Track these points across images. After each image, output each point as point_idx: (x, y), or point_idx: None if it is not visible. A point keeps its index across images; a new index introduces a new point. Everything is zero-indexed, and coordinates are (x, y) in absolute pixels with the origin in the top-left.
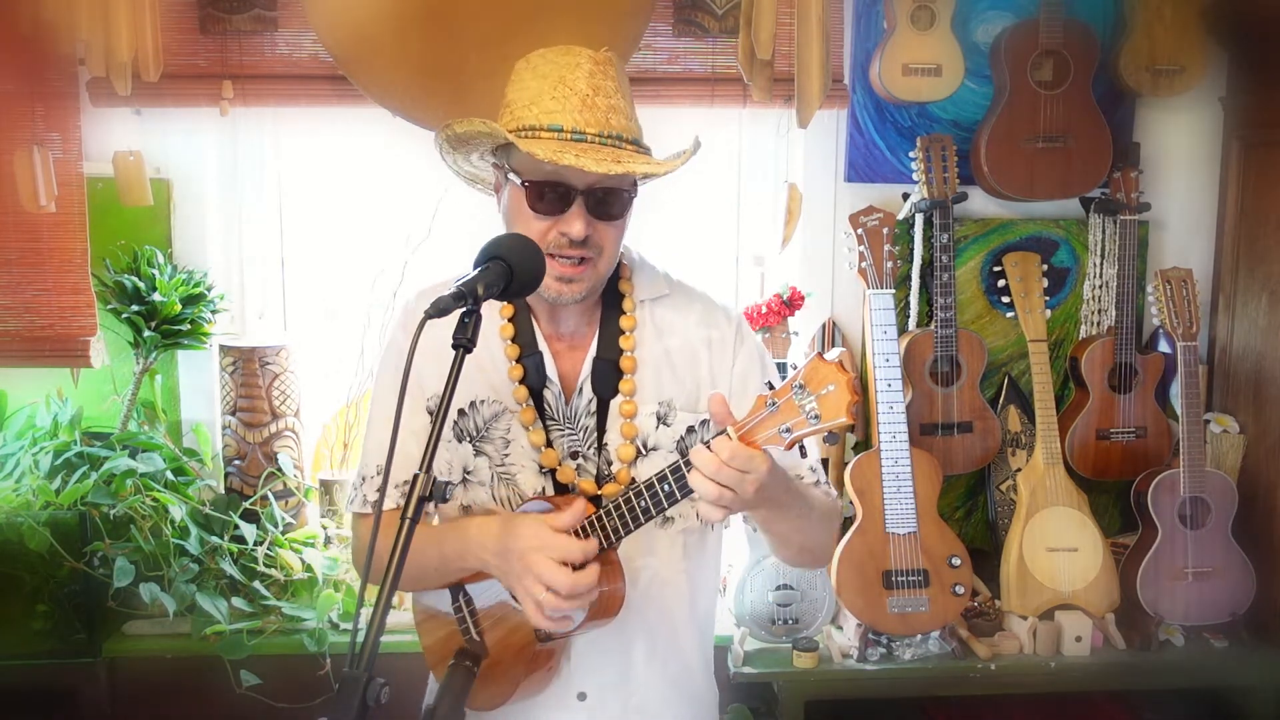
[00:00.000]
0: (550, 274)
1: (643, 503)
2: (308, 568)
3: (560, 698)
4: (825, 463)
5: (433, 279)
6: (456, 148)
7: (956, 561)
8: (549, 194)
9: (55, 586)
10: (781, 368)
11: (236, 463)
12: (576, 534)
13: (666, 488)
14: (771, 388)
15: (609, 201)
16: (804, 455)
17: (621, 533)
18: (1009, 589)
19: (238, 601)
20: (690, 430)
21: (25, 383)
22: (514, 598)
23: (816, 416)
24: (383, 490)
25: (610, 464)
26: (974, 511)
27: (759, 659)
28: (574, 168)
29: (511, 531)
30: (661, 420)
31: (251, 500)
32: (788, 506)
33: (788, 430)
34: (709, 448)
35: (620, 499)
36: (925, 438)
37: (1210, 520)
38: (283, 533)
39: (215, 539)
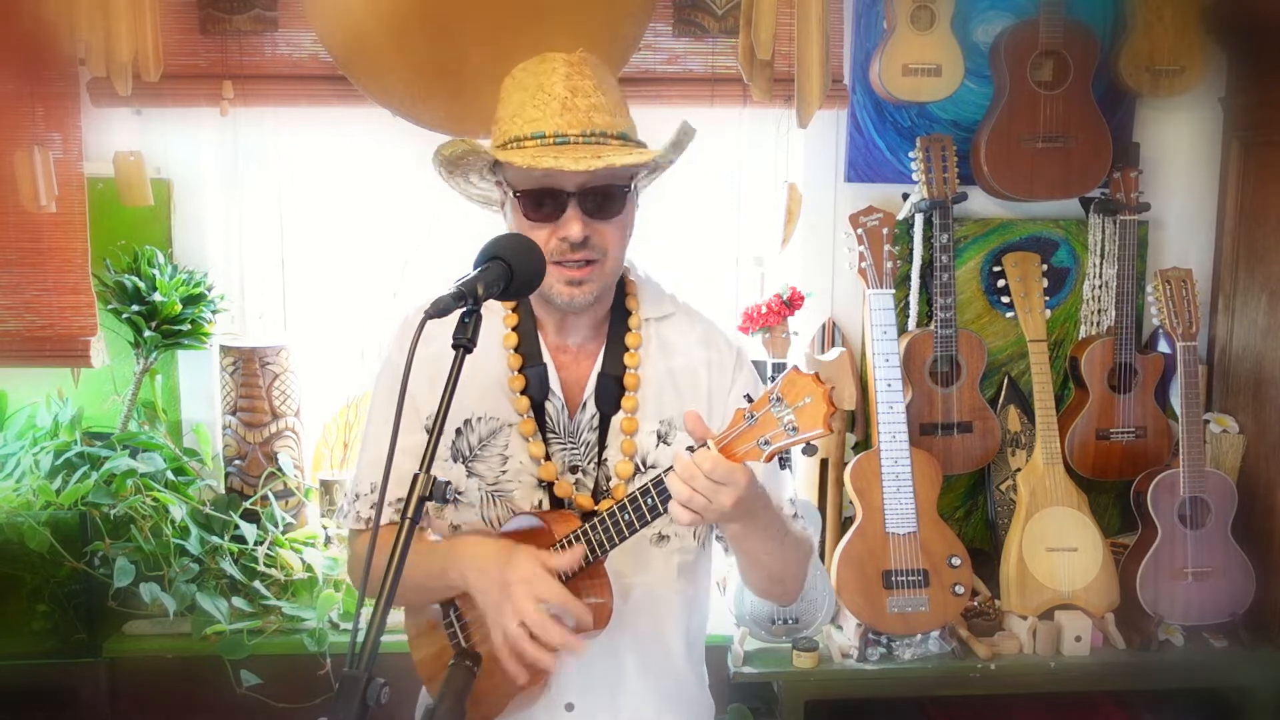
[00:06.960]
0: (560, 280)
1: (627, 516)
2: (308, 568)
3: (548, 709)
4: (824, 463)
5: (427, 291)
6: (453, 171)
7: (956, 561)
8: (542, 200)
9: (55, 586)
10: (781, 367)
11: (237, 463)
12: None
13: (650, 500)
14: (750, 401)
15: (604, 201)
16: (783, 467)
17: (607, 546)
18: (1009, 589)
19: (238, 601)
20: (690, 450)
21: (25, 383)
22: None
23: (794, 428)
24: (379, 504)
25: (609, 479)
26: (974, 511)
27: (759, 659)
28: (565, 171)
29: (503, 557)
30: (662, 439)
31: (252, 500)
32: (765, 525)
33: (766, 442)
34: (690, 457)
35: (606, 513)
36: (925, 438)
37: (1210, 520)
38: (283, 533)
39: (215, 539)
